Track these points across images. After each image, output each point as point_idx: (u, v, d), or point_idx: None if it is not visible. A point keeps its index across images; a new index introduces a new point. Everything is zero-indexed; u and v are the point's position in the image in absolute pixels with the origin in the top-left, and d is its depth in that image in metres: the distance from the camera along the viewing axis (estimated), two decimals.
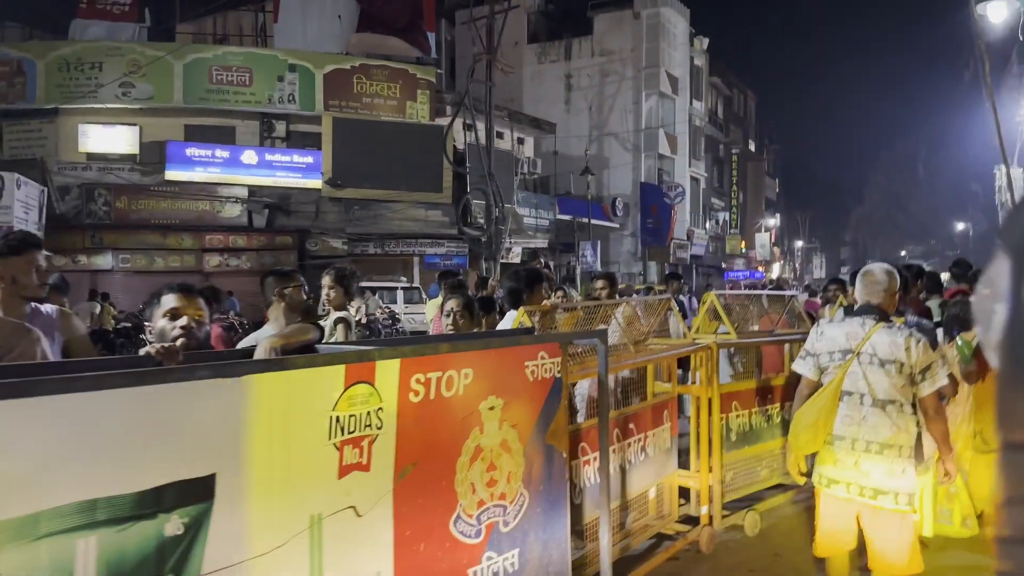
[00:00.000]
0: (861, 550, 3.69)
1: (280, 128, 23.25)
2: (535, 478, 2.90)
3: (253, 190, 22.40)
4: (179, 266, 21.82)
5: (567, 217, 31.13)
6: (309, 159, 22.87)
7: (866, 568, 3.59)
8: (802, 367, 3.73)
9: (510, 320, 4.13)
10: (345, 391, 2.13)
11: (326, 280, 4.41)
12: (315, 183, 22.78)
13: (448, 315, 4.20)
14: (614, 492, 4.17)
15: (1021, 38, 13.54)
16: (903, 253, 64.96)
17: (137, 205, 21.63)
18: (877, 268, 3.67)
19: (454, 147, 24.24)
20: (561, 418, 3.03)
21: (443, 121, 23.44)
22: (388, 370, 2.27)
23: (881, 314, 3.52)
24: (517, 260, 28.79)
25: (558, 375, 3.01)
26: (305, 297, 3.64)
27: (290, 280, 3.71)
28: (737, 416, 5.33)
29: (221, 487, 1.83)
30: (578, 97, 37.63)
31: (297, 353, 2.47)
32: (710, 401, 5.01)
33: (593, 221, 31.74)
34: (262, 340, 2.64)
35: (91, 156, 21.88)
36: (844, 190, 76.51)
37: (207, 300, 3.11)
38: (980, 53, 10.62)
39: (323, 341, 3.79)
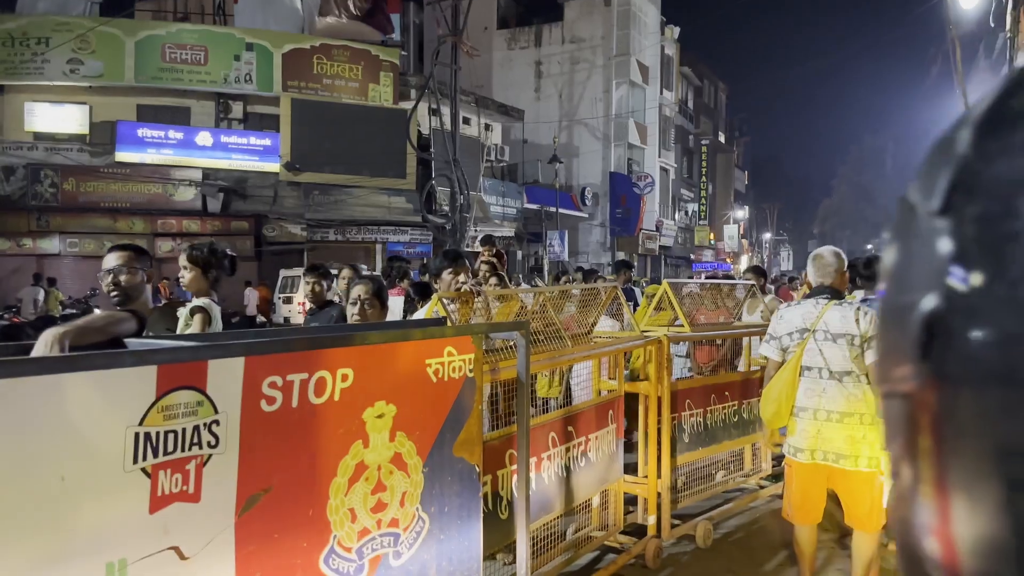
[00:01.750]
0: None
1: (237, 109, 22.46)
2: (439, 498, 2.43)
3: (208, 173, 21.60)
4: None
5: (535, 206, 30.66)
6: (267, 141, 22.12)
7: (837, 540, 3.97)
8: (767, 350, 3.98)
9: (399, 311, 3.63)
10: (158, 400, 1.65)
11: (181, 259, 3.76)
12: (273, 167, 22.05)
13: (354, 303, 3.71)
14: (553, 502, 3.74)
15: (992, 24, 13.33)
16: (869, 247, 65.61)
17: (86, 187, 20.73)
18: (826, 251, 3.94)
19: (419, 132, 23.63)
20: (473, 425, 2.56)
21: (407, 105, 22.81)
22: (226, 372, 1.78)
23: (833, 293, 3.79)
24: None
25: (470, 374, 2.55)
26: (144, 279, 3.04)
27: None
28: (691, 416, 4.93)
29: None
30: (548, 84, 37.14)
31: (99, 349, 1.95)
32: (660, 400, 4.59)
33: (562, 210, 31.32)
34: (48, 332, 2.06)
35: (38, 135, 20.96)
36: (813, 183, 77.18)
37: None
38: (953, 40, 10.36)
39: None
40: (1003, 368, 0.52)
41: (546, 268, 29.91)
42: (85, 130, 21.30)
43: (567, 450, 3.79)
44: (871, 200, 59.46)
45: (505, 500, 3.26)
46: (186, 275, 3.71)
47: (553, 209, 30.76)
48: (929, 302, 0.56)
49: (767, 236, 72.41)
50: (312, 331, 2.86)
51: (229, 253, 3.82)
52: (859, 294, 5.17)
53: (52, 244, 20.50)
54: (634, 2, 36.13)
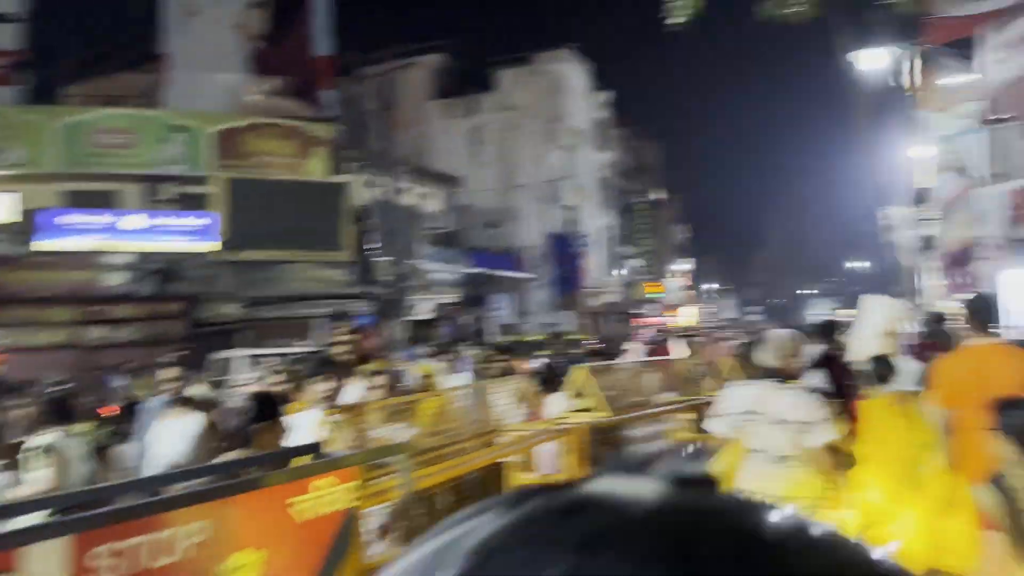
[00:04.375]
0: None
1: (168, 191, 22.16)
2: None
3: (142, 256, 21.12)
4: (61, 340, 20.20)
5: (480, 270, 30.72)
6: (206, 220, 21.81)
7: None
8: (716, 425, 3.98)
9: (305, 426, 3.47)
10: None
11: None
12: (209, 245, 21.70)
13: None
14: None
15: (891, 83, 14.05)
16: (806, 291, 67.20)
17: (8, 278, 20.04)
18: (783, 334, 4.06)
19: (356, 204, 23.63)
20: (354, 559, 2.44)
21: (346, 178, 22.86)
22: (45, 552, 1.64)
23: (781, 376, 3.81)
24: (429, 316, 28.13)
25: (354, 504, 2.43)
26: None
27: None
28: None
29: None
30: (486, 151, 37.68)
31: None
32: None
33: (506, 273, 31.47)
34: None
35: None
36: (750, 233, 79.27)
37: None
38: (857, 101, 10.84)
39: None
40: None
41: (486, 331, 29.81)
42: (18, 218, 20.69)
43: None
44: (802, 249, 61.30)
45: None
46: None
47: (495, 272, 30.89)
48: None
49: (714, 286, 73.77)
50: (156, 482, 2.70)
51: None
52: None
53: None
54: (562, 70, 37.20)
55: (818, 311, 65.64)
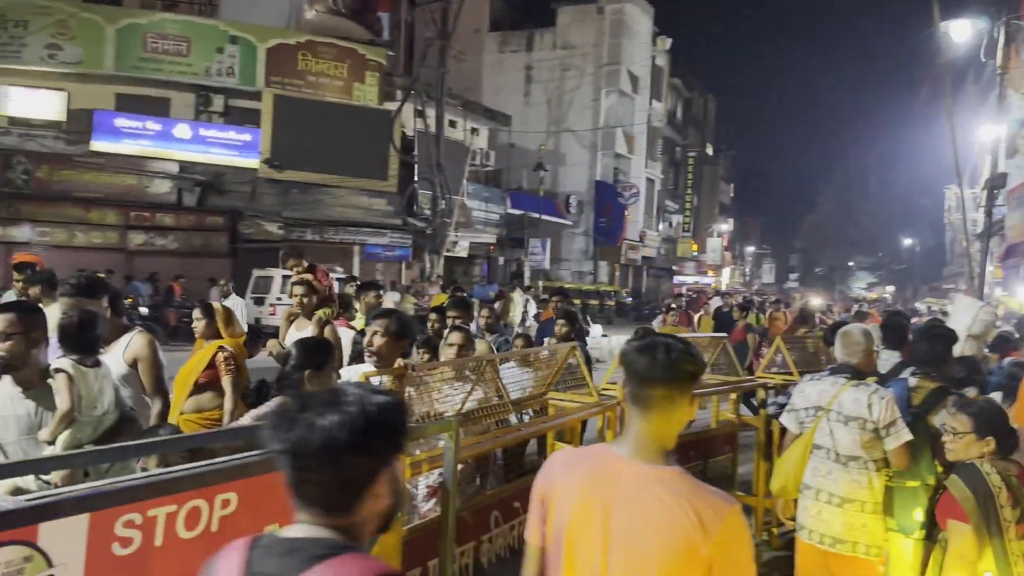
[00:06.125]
0: None
1: (218, 102, 22.02)
2: None
3: (185, 166, 21.18)
4: (101, 242, 20.52)
5: (518, 212, 30.42)
6: (247, 136, 21.72)
7: None
8: (786, 420, 3.92)
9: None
10: None
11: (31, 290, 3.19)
12: (252, 162, 21.66)
13: (370, 344, 3.42)
14: None
15: (983, 59, 13.23)
16: (851, 263, 65.92)
17: (59, 175, 20.23)
18: (855, 329, 3.89)
19: (403, 134, 23.33)
20: (390, 538, 2.30)
21: (392, 106, 22.51)
22: (66, 522, 1.50)
23: (855, 373, 3.69)
24: (463, 254, 28.02)
25: None
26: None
27: None
28: None
29: None
30: (537, 90, 36.91)
31: None
32: None
33: (545, 217, 31.11)
34: None
35: (13, 120, 20.43)
36: (797, 198, 77.45)
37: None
38: (942, 72, 10.23)
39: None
40: None
41: (527, 275, 29.69)
42: (62, 117, 20.79)
43: (512, 528, 3.51)
44: (854, 219, 59.67)
45: None
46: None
47: (537, 216, 30.53)
48: None
49: (750, 249, 72.61)
50: (190, 441, 2.56)
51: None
52: (885, 355, 4.88)
53: (22, 232, 19.95)
54: (627, 11, 35.97)
55: (857, 284, 64.53)
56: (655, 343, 1.80)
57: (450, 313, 5.56)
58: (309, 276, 5.48)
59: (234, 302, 12.55)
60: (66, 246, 19.99)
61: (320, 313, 5.19)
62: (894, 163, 61.90)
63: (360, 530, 1.32)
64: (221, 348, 4.43)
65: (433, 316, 6.13)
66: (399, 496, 1.37)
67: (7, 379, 2.96)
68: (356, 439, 1.25)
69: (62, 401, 2.95)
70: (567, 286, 29.62)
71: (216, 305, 4.85)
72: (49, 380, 2.98)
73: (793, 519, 4.03)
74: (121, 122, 20.67)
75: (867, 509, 3.55)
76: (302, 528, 1.30)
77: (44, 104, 20.76)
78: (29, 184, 19.93)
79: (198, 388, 4.39)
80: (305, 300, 5.18)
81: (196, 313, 4.80)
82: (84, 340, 3.14)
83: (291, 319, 5.32)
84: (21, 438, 2.91)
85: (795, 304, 17.78)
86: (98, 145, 20.33)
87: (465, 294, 10.58)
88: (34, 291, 5.25)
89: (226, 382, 4.35)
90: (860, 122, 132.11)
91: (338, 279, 16.41)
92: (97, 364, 3.17)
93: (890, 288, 56.00)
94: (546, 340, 7.20)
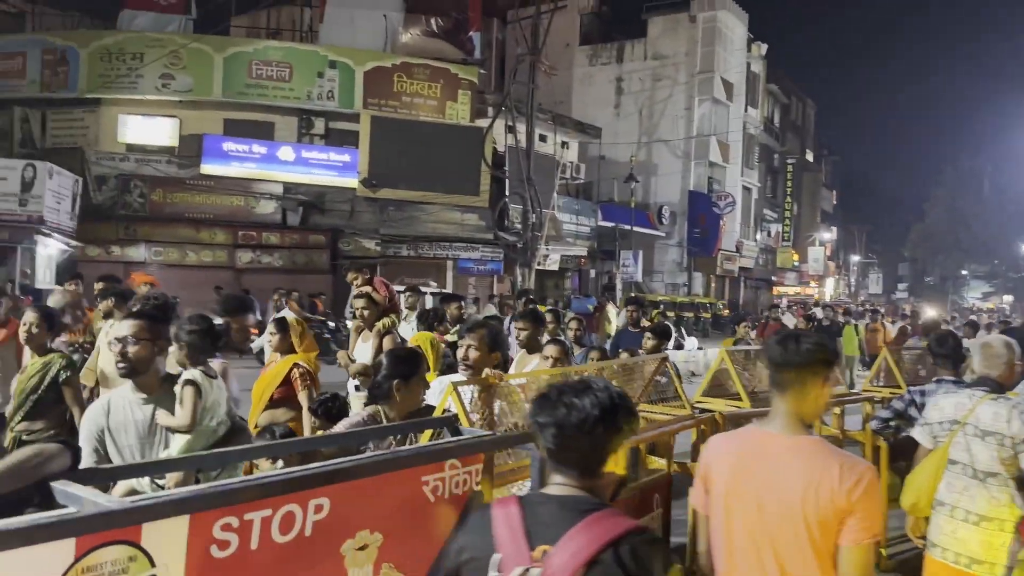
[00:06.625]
0: None
1: (319, 125, 22.90)
2: None
3: (288, 187, 22.08)
4: (211, 261, 21.60)
5: (609, 224, 30.21)
6: (346, 157, 22.47)
7: None
8: (919, 434, 3.80)
9: (437, 393, 3.33)
10: (77, 562, 1.44)
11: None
12: (351, 182, 22.38)
13: (465, 358, 3.54)
14: None
15: None
16: (964, 272, 62.23)
17: (172, 198, 21.46)
18: (996, 340, 3.75)
19: (494, 149, 23.61)
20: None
21: (484, 123, 22.84)
22: (167, 524, 1.56)
23: (994, 386, 3.56)
24: (555, 267, 28.02)
25: (476, 487, 2.28)
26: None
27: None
28: None
29: None
30: (628, 101, 36.67)
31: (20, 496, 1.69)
32: None
33: (637, 229, 30.77)
34: None
35: (130, 147, 21.84)
36: (905, 204, 73.75)
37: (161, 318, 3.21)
38: None
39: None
40: None
41: (619, 287, 29.41)
42: (175, 143, 22.09)
43: None
44: (966, 225, 56.30)
45: None
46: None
47: (628, 227, 30.24)
48: None
49: (855, 259, 69.59)
50: (304, 444, 2.62)
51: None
52: None
53: (139, 252, 21.25)
54: (720, 18, 35.32)
55: (971, 294, 60.76)
56: (790, 335, 2.20)
57: (517, 324, 5.46)
58: (368, 288, 5.59)
59: (287, 315, 12.74)
60: (179, 264, 21.17)
61: (379, 324, 5.28)
62: (1009, 165, 58.14)
63: (603, 492, 1.65)
64: (296, 365, 4.54)
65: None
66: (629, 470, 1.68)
67: (128, 384, 3.07)
68: (604, 415, 1.61)
69: (184, 414, 3.00)
70: (660, 298, 29.19)
71: (291, 320, 4.97)
72: (175, 388, 3.07)
73: (923, 537, 3.86)
74: (229, 146, 21.74)
75: (1006, 528, 3.34)
76: (561, 488, 1.64)
77: (158, 131, 22.11)
78: (145, 207, 21.22)
79: (273, 403, 4.51)
80: (366, 312, 5.29)
81: (270, 327, 4.92)
82: (210, 350, 3.29)
83: (359, 331, 5.45)
84: (139, 442, 3.03)
85: (907, 314, 16.90)
86: (208, 168, 21.46)
87: (535, 305, 10.46)
88: (106, 304, 5.57)
89: (302, 397, 4.45)
90: (970, 123, 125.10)
91: (432, 293, 16.73)
92: (214, 375, 3.27)
93: (1008, 298, 52.48)
94: (621, 352, 7.10)
